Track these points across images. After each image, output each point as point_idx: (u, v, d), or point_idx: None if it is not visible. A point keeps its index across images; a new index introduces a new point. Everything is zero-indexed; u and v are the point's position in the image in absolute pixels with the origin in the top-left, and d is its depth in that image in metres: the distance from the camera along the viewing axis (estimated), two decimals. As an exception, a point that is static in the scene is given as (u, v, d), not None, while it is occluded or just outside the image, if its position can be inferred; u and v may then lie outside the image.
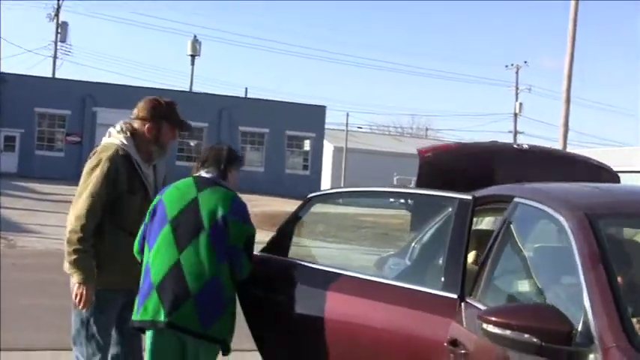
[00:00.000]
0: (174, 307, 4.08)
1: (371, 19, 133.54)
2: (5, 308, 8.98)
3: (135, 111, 4.69)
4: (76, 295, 4.40)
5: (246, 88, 61.14)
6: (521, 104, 68.70)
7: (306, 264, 4.59)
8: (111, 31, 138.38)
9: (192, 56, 50.38)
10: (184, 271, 4.11)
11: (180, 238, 4.18)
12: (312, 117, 45.69)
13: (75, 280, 4.38)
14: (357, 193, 4.87)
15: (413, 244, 5.29)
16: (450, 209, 4.23)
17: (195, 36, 51.03)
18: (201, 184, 4.36)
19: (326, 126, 49.35)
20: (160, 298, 4.10)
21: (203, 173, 4.44)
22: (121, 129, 4.60)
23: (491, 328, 2.97)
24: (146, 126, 4.61)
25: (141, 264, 4.29)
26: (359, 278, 4.31)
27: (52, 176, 38.90)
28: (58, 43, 55.24)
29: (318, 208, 4.71)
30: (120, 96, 39.30)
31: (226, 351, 4.28)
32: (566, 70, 28.83)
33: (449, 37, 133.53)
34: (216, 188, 4.34)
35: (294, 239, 4.74)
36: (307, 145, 46.57)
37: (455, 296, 3.82)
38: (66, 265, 4.43)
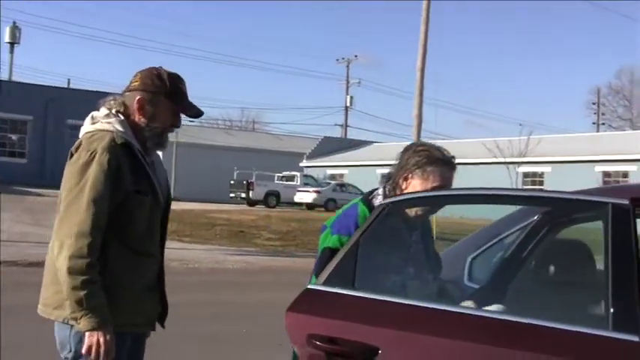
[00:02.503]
0: None
1: (201, 9, 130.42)
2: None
3: (127, 85, 3.47)
4: (89, 348, 3.14)
5: (69, 79, 58.05)
6: (351, 97, 69.68)
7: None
8: None
9: (12, 44, 46.96)
10: None
11: None
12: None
13: (86, 325, 3.12)
14: (443, 198, 3.58)
15: (469, 259, 4.09)
16: (595, 217, 3.14)
17: (14, 22, 47.57)
18: None
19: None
20: None
21: None
22: (110, 111, 3.37)
23: None
24: (137, 97, 3.38)
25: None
26: (463, 314, 3.08)
27: None
28: None
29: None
30: None
31: None
32: (419, 63, 28.81)
33: (280, 30, 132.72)
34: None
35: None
36: (139, 139, 44.42)
37: (636, 338, 2.68)
38: (65, 308, 3.17)
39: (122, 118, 3.36)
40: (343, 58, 71.48)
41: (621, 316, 2.76)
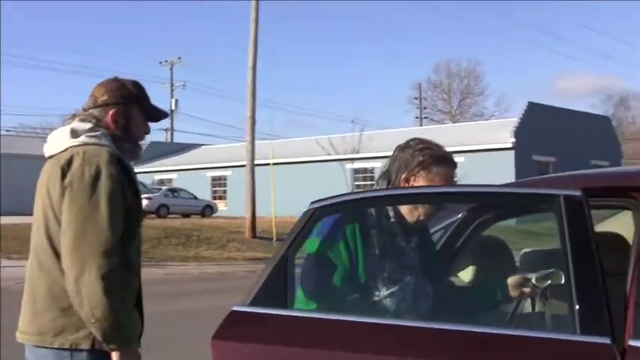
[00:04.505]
0: None
1: (23, 11, 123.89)
2: None
3: (89, 100, 3.37)
4: None
5: None
6: (177, 101, 68.76)
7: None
8: None
9: None
10: None
11: None
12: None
13: (122, 344, 3.04)
14: (376, 199, 3.22)
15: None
16: (546, 211, 2.90)
17: None
18: None
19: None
20: None
21: None
22: (92, 126, 3.26)
23: None
24: (111, 112, 3.30)
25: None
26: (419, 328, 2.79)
27: None
28: None
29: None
30: None
31: None
32: (251, 62, 28.60)
33: (98, 32, 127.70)
34: None
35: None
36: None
37: (607, 341, 2.46)
38: (67, 333, 3.05)
39: (107, 132, 3.25)
40: (166, 61, 70.52)
41: (588, 318, 2.53)
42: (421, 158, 3.24)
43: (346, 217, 3.13)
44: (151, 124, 3.43)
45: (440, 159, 3.27)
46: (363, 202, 3.21)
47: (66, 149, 3.19)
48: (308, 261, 3.11)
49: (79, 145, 3.18)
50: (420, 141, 3.34)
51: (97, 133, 3.24)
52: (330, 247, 3.05)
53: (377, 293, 3.06)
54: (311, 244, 3.11)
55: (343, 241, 3.05)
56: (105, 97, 3.32)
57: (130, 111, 3.33)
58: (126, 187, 3.14)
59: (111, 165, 3.09)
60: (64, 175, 3.10)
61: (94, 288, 2.94)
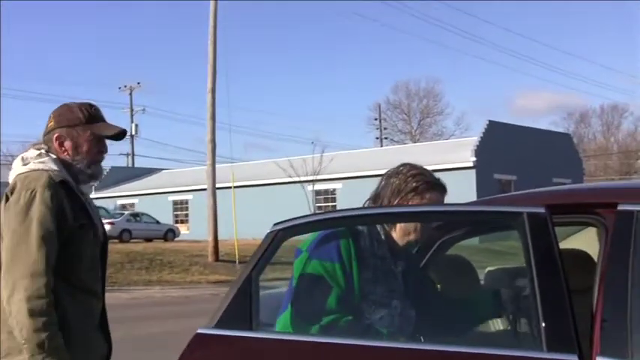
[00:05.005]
0: None
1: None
2: None
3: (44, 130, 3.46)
4: None
5: None
6: (137, 125, 68.48)
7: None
8: None
9: None
10: None
11: None
12: None
13: None
14: (347, 219, 3.21)
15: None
16: (512, 229, 2.90)
17: None
18: None
19: None
20: None
21: None
22: (40, 152, 3.33)
23: None
24: (55, 136, 3.35)
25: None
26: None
27: None
28: None
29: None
30: None
31: None
32: (210, 84, 28.57)
33: (54, 59, 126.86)
34: None
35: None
36: None
37: (574, 358, 2.46)
38: (14, 354, 3.04)
39: (54, 156, 3.31)
40: (125, 86, 70.31)
41: (554, 335, 2.53)
42: (414, 184, 3.26)
43: (339, 238, 3.10)
44: (112, 147, 3.46)
45: (432, 185, 3.30)
46: (326, 223, 3.20)
47: (17, 175, 3.28)
48: (301, 282, 3.08)
49: (25, 172, 3.25)
50: (412, 167, 3.37)
51: (44, 159, 3.30)
52: (325, 268, 3.02)
53: (368, 317, 3.04)
54: (302, 264, 3.08)
55: (339, 262, 3.02)
56: (51, 123, 3.39)
57: (75, 133, 3.36)
58: (68, 210, 3.17)
59: (47, 189, 3.14)
60: (7, 202, 3.21)
61: (21, 309, 2.98)
